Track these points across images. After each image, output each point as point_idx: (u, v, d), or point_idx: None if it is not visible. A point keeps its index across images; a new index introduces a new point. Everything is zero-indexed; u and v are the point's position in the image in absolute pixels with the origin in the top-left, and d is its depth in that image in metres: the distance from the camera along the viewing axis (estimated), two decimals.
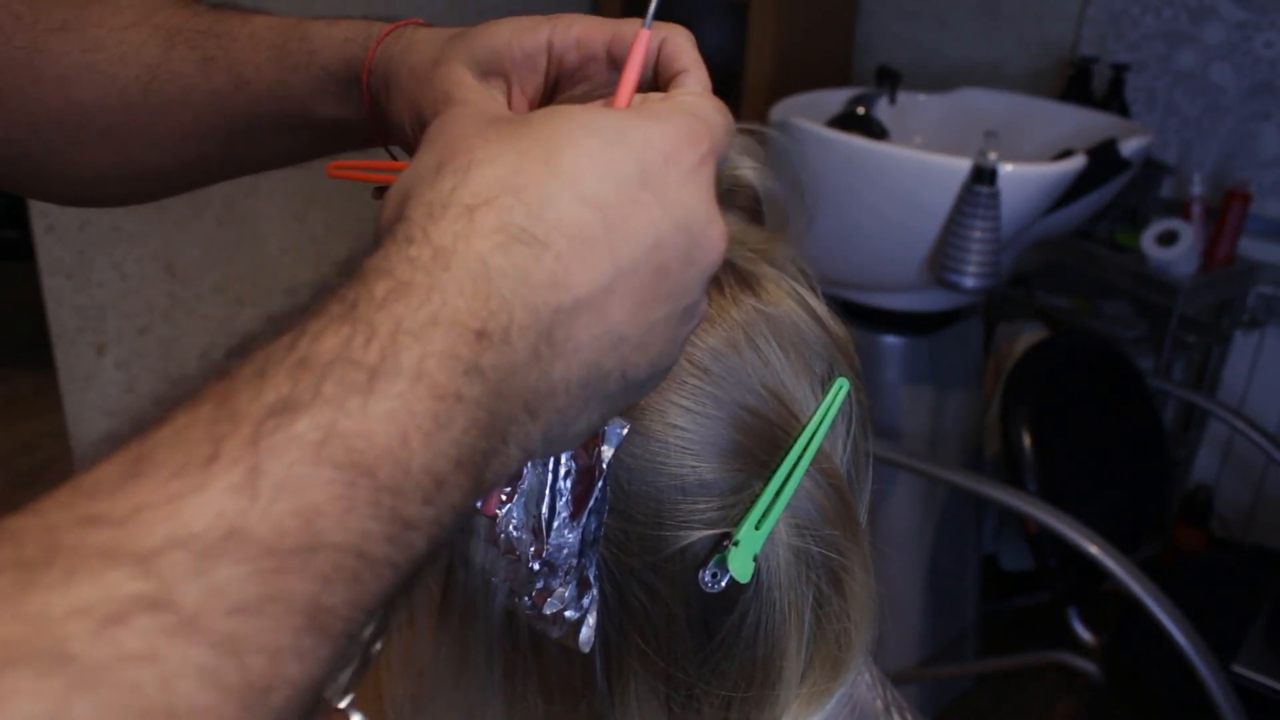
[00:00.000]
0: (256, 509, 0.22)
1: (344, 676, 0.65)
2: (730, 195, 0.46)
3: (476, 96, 0.41)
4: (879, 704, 0.57)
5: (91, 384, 1.62)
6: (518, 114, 0.39)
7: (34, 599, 0.19)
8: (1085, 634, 1.58)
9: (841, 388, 0.45)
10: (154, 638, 0.19)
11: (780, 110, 1.74)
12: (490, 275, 0.28)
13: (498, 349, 0.27)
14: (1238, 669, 1.37)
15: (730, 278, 0.45)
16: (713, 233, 0.34)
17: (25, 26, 0.49)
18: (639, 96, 0.39)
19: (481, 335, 0.27)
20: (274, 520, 0.22)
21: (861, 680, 0.55)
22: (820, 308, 0.48)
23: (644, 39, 0.40)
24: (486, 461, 0.27)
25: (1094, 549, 1.33)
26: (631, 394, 0.34)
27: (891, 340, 1.77)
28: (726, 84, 2.16)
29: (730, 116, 0.37)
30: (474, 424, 0.27)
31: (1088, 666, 1.54)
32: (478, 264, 0.28)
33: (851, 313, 1.78)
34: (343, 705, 0.64)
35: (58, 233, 1.51)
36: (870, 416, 0.49)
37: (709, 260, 0.34)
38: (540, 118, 0.32)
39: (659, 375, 0.35)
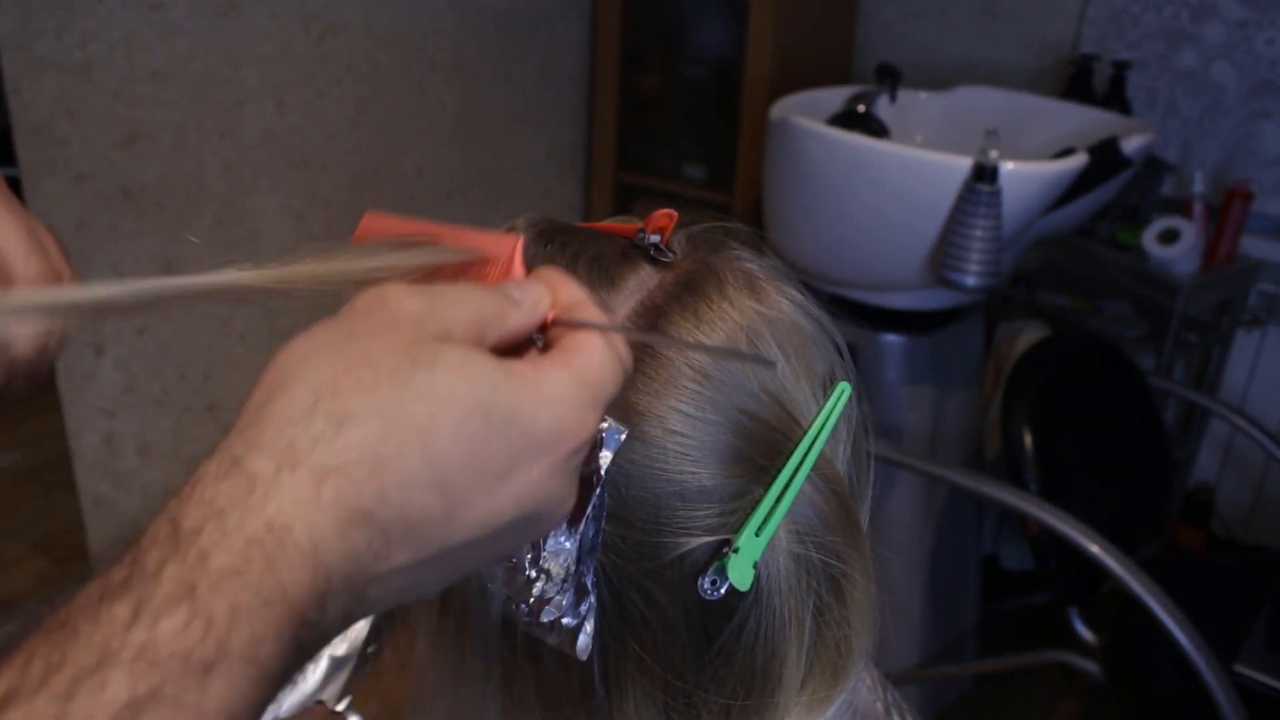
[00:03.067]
0: None
1: (341, 678, 0.65)
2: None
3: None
4: (879, 706, 0.56)
5: (90, 384, 1.61)
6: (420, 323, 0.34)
7: None
8: (1086, 634, 1.58)
9: (843, 392, 0.45)
10: None
11: (780, 109, 1.73)
12: (319, 560, 0.29)
13: (313, 626, 0.29)
14: (1239, 669, 1.37)
15: (731, 280, 0.44)
16: (560, 512, 0.35)
17: None
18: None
19: (304, 623, 0.28)
20: None
21: (862, 684, 0.54)
22: (816, 310, 0.47)
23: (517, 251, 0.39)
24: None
25: (1095, 549, 1.33)
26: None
27: (892, 339, 1.77)
28: (726, 82, 2.16)
29: (624, 359, 0.36)
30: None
31: (1089, 666, 1.53)
32: (310, 549, 0.29)
33: (852, 311, 1.77)
34: (341, 708, 0.63)
35: (55, 232, 1.50)
36: (870, 417, 0.49)
37: (547, 527, 0.36)
38: (437, 367, 0.31)
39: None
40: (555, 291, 0.37)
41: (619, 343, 0.36)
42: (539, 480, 0.33)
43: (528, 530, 0.34)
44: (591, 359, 0.35)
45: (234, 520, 0.28)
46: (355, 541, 0.29)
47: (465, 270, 0.40)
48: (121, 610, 0.26)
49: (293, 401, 0.30)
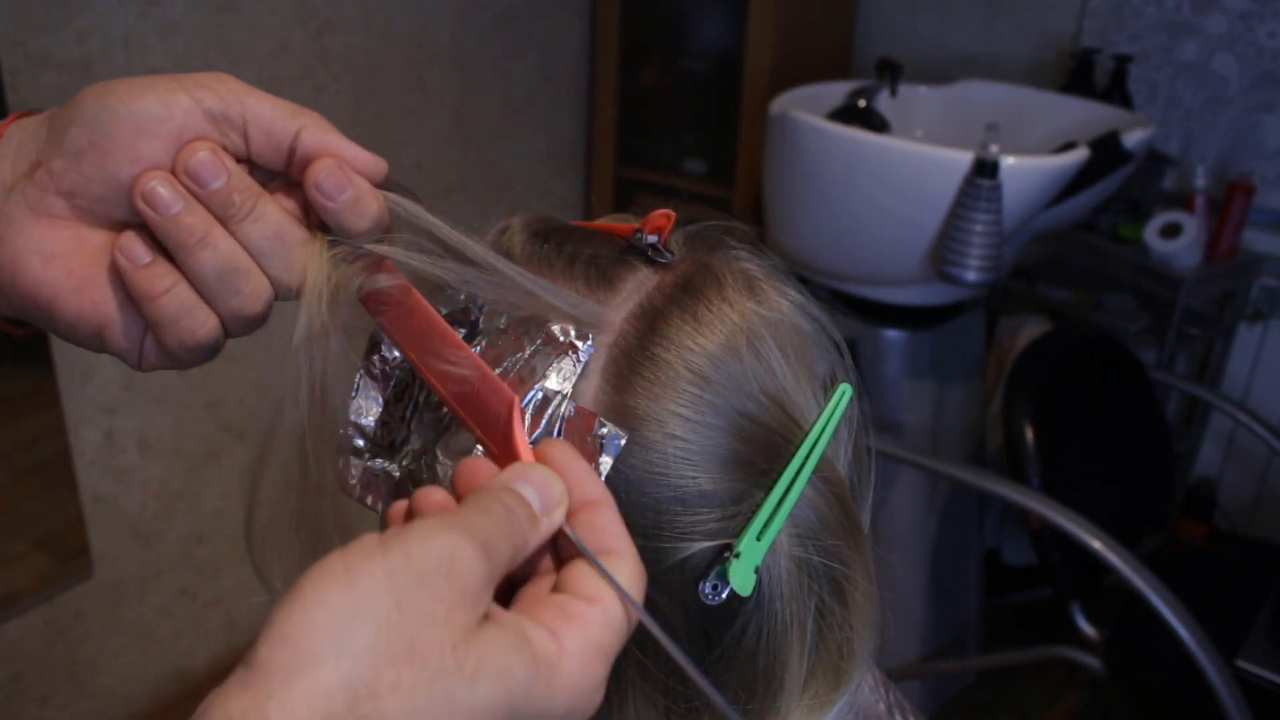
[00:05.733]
0: None
1: None
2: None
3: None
4: (881, 707, 0.56)
5: (90, 381, 1.61)
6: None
7: None
8: (1088, 629, 1.58)
9: (844, 393, 0.44)
10: None
11: (780, 103, 1.73)
12: None
13: None
14: (1241, 663, 1.37)
15: (730, 281, 0.44)
16: None
17: None
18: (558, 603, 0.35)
19: None
20: None
21: (865, 684, 0.54)
22: (816, 310, 0.47)
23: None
24: None
25: (1096, 544, 1.32)
26: None
27: (893, 334, 1.76)
28: (726, 76, 2.15)
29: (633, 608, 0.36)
30: None
31: (1090, 661, 1.53)
32: None
33: (852, 306, 1.77)
34: None
35: None
36: (871, 414, 0.48)
37: None
38: (479, 679, 0.31)
39: None
40: (569, 485, 0.36)
41: (636, 573, 0.36)
42: None
43: None
44: (609, 614, 0.35)
45: None
46: None
47: (470, 406, 0.40)
48: None
49: (326, 694, 0.29)
